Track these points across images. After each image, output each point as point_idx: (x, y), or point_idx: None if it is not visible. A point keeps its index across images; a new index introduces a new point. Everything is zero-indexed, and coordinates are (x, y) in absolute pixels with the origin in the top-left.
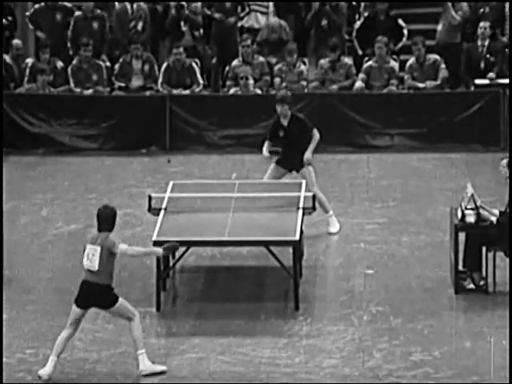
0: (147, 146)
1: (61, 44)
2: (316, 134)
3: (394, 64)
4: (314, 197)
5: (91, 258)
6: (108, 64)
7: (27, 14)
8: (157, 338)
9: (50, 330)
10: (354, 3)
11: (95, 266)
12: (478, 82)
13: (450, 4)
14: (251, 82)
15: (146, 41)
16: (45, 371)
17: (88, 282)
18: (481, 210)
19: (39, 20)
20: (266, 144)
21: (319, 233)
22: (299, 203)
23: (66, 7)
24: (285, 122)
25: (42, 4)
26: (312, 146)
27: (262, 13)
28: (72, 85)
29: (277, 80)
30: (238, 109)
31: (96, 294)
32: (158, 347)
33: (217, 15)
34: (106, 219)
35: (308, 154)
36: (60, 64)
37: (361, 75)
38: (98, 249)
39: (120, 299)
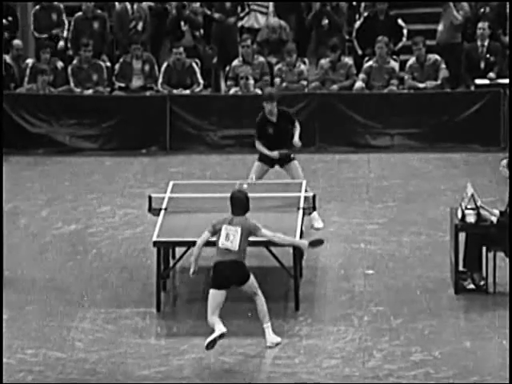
0: (147, 146)
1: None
2: (298, 125)
3: (395, 64)
4: (314, 197)
5: (231, 238)
6: (108, 64)
7: (31, 26)
8: (157, 339)
9: (50, 330)
10: (354, 3)
11: (235, 246)
12: (478, 82)
13: (451, 4)
14: (251, 82)
15: (146, 41)
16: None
17: (226, 262)
18: (481, 210)
19: (39, 22)
20: (261, 143)
21: (320, 233)
22: (299, 203)
23: (60, 8)
24: (273, 119)
25: (37, 7)
26: (298, 133)
27: (261, 13)
28: (72, 85)
29: (277, 80)
30: (238, 109)
31: (235, 270)
32: (158, 347)
33: (216, 15)
34: (241, 204)
35: (296, 139)
36: (60, 64)
37: (361, 75)
38: (239, 229)
39: (251, 274)
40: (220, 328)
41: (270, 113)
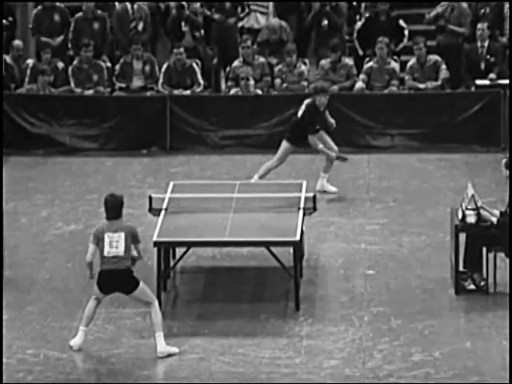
0: (148, 147)
1: (60, 45)
2: None
3: (395, 65)
4: (314, 197)
5: (116, 245)
6: (109, 64)
7: (30, 26)
8: None
9: (50, 330)
10: (354, 3)
11: (121, 252)
12: (478, 82)
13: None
14: (252, 82)
15: (147, 41)
16: (76, 344)
17: (111, 271)
18: (481, 211)
19: (41, 23)
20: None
21: (320, 233)
22: (300, 204)
23: (63, 9)
24: (322, 109)
25: (39, 8)
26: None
27: (261, 13)
28: (73, 85)
29: (277, 81)
30: (238, 109)
31: (120, 279)
32: None
33: (216, 16)
34: (115, 207)
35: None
36: (61, 64)
37: (361, 76)
38: (122, 235)
39: (141, 283)
40: (76, 342)
41: (323, 105)
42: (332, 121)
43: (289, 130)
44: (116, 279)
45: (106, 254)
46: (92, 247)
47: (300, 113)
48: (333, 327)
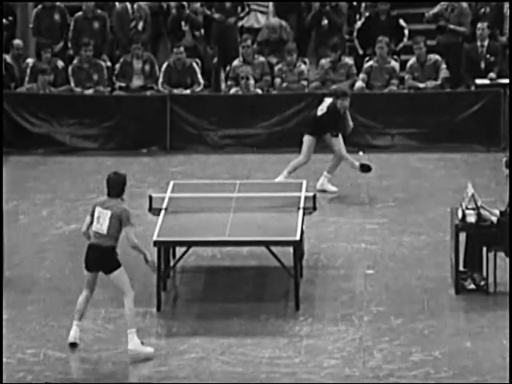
0: (148, 146)
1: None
2: None
3: (395, 64)
4: (314, 197)
5: (101, 221)
6: (109, 64)
7: (30, 26)
8: (157, 338)
9: (50, 330)
10: (354, 3)
11: (104, 230)
12: (478, 81)
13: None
14: (252, 82)
15: (147, 41)
16: (71, 336)
17: (94, 245)
18: (481, 210)
19: (41, 23)
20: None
21: (320, 233)
22: (300, 203)
23: (63, 8)
24: (342, 111)
25: (40, 7)
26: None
27: (261, 12)
28: (73, 85)
29: (277, 80)
30: (238, 109)
31: (100, 256)
32: (158, 347)
33: (216, 15)
34: (116, 185)
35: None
36: (61, 64)
37: (361, 75)
38: (109, 213)
39: (121, 269)
40: (72, 336)
41: (345, 108)
42: (351, 123)
43: (307, 125)
44: (98, 255)
45: (93, 228)
46: (87, 218)
47: (320, 112)
48: (333, 327)
